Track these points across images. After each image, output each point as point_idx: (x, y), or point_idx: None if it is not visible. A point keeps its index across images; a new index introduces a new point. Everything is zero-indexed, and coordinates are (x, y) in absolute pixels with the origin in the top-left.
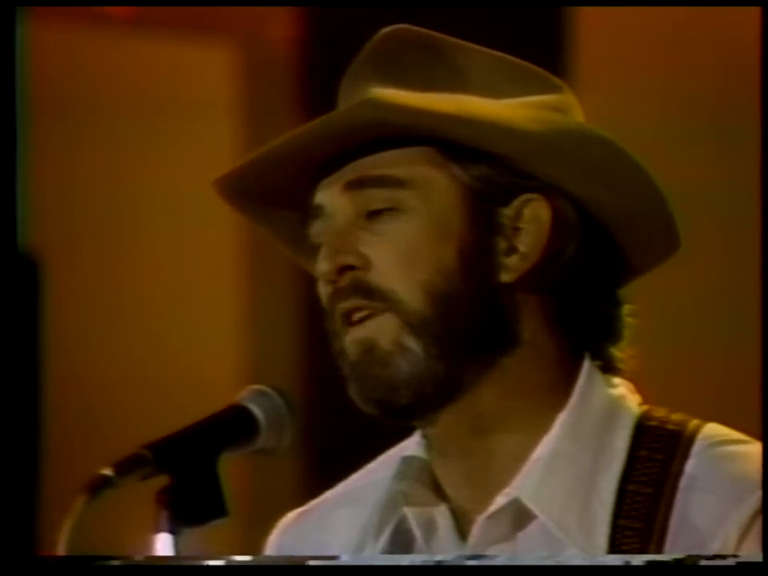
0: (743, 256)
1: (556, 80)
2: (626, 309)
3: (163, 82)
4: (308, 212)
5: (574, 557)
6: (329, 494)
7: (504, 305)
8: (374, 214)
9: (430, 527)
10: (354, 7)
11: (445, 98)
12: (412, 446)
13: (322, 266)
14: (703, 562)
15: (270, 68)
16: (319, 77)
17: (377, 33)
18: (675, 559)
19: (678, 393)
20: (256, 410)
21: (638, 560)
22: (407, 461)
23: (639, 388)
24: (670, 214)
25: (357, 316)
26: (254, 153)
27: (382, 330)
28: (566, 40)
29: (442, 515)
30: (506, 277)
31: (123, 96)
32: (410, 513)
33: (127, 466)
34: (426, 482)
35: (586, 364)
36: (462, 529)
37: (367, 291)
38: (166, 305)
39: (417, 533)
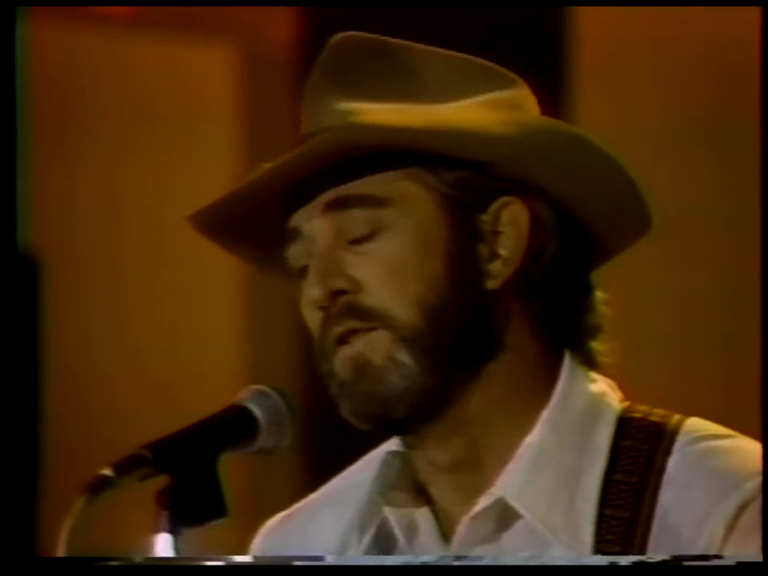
0: (743, 256)
1: (511, 75)
2: (599, 297)
3: (163, 83)
4: (283, 235)
5: (559, 557)
6: (312, 497)
7: (491, 312)
8: (357, 237)
9: (411, 529)
10: (353, 7)
11: (415, 111)
12: (392, 444)
13: (313, 292)
14: (701, 562)
15: (270, 68)
16: None
17: (327, 43)
18: (670, 559)
19: (678, 393)
20: (256, 410)
21: (630, 560)
22: (388, 460)
23: (636, 388)
24: (642, 197)
25: (351, 339)
26: (231, 189)
27: (374, 346)
28: (566, 40)
29: (423, 516)
30: (491, 284)
31: (123, 96)
32: (391, 515)
33: (127, 466)
34: (407, 482)
35: (567, 361)
36: (444, 530)
37: (361, 313)
38: (166, 305)
39: (399, 534)
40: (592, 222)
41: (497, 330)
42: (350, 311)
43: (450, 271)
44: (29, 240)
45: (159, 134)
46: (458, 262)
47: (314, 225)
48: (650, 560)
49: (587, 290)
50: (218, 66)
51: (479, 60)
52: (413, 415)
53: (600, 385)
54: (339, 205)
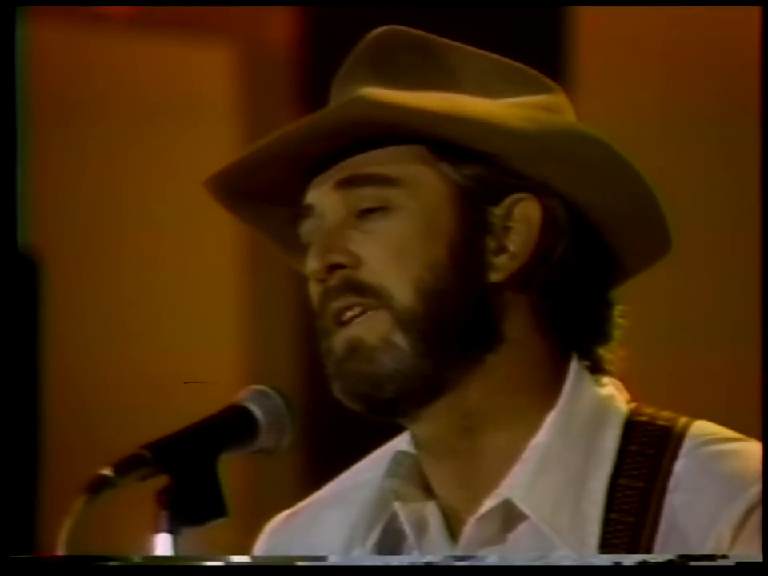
0: (743, 256)
1: (548, 81)
2: (618, 310)
3: (163, 82)
4: (299, 211)
5: (565, 557)
6: (316, 495)
7: (492, 304)
8: (364, 213)
9: (421, 526)
10: (353, 7)
11: (435, 97)
12: (403, 443)
13: (311, 264)
14: (702, 562)
15: (269, 68)
16: (319, 77)
17: (368, 33)
18: (672, 559)
19: (679, 393)
20: (256, 410)
21: (634, 560)
22: (398, 458)
23: (638, 389)
24: (662, 214)
25: (348, 315)
26: (244, 151)
27: (372, 327)
28: (566, 40)
29: (432, 514)
30: (494, 276)
31: (123, 96)
32: (401, 511)
33: (127, 466)
34: (417, 480)
35: (574, 364)
36: (452, 528)
37: (359, 289)
38: (166, 305)
39: (408, 531)
40: (607, 231)
41: (497, 321)
42: (348, 286)
43: (452, 258)
44: (29, 240)
45: (159, 134)
46: (462, 250)
47: (325, 201)
48: (654, 560)
49: (602, 300)
50: (217, 66)
51: (518, 64)
52: (403, 396)
53: (607, 387)
54: (350, 182)
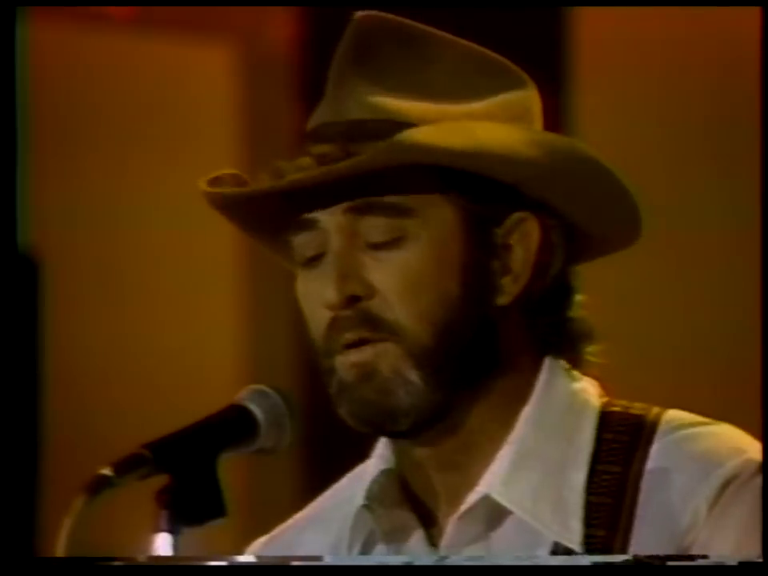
0: (743, 256)
1: (523, 74)
2: (579, 301)
3: (163, 83)
4: (297, 222)
5: (552, 558)
6: (296, 517)
7: (499, 328)
8: (378, 244)
9: (400, 544)
10: (353, 7)
11: (457, 131)
12: (381, 461)
13: (329, 296)
14: (701, 562)
15: (270, 68)
16: (319, 77)
17: (351, 21)
18: (670, 558)
19: (679, 393)
20: (255, 410)
21: (625, 558)
22: (378, 479)
23: (638, 389)
24: (639, 214)
25: (359, 345)
26: (267, 184)
27: (382, 357)
28: (566, 40)
29: (412, 529)
30: (502, 300)
31: (123, 96)
32: (378, 529)
33: (126, 466)
34: (395, 498)
35: (547, 361)
36: (434, 539)
37: (373, 323)
38: (166, 305)
39: (387, 552)
40: (594, 238)
41: (502, 345)
42: (362, 320)
43: (463, 286)
44: (29, 240)
45: (159, 134)
46: (472, 275)
47: (333, 223)
48: (647, 560)
49: (571, 296)
50: (217, 66)
51: (496, 56)
52: (415, 429)
53: (580, 382)
54: (362, 210)
